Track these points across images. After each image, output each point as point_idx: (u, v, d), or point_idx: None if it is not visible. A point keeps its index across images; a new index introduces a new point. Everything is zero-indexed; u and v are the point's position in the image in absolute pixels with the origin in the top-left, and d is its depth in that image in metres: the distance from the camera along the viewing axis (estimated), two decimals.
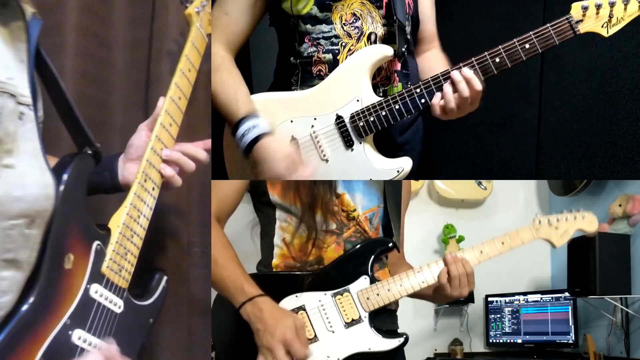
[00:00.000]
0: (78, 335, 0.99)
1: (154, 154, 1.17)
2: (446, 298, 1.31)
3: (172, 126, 1.22)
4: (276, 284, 1.24)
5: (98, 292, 1.03)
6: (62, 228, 0.97)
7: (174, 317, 1.44)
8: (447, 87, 1.32)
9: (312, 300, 1.25)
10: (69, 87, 1.41)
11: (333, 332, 1.24)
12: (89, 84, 1.46)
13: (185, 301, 1.47)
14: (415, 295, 1.33)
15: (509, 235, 1.34)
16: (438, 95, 1.34)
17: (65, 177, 0.98)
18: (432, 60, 1.56)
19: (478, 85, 1.30)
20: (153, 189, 1.17)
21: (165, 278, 1.24)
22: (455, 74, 1.31)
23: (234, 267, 1.24)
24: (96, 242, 1.04)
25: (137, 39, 1.51)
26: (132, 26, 1.52)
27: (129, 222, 1.11)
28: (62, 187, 0.96)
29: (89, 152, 1.07)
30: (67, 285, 0.98)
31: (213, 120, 1.49)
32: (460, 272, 1.27)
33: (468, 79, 1.30)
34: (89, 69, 1.46)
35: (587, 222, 1.39)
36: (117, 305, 1.08)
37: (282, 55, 1.49)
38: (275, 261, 1.33)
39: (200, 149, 1.25)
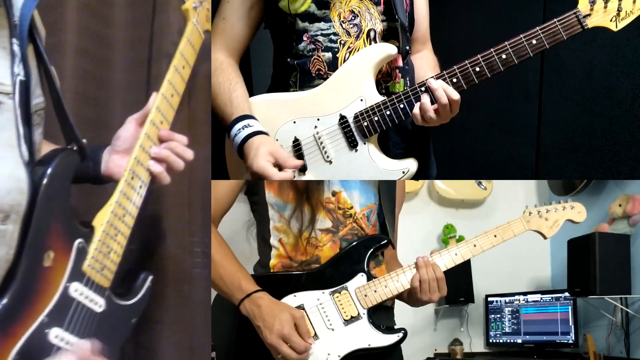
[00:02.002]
0: (55, 334, 0.98)
1: (143, 152, 1.14)
2: (417, 302, 1.32)
3: (163, 123, 1.19)
4: (274, 284, 1.25)
5: (78, 290, 1.02)
6: (43, 224, 0.95)
7: (174, 317, 1.44)
8: (425, 98, 1.33)
9: (311, 299, 1.25)
10: (68, 86, 1.41)
11: (333, 329, 1.25)
12: (89, 83, 1.46)
13: (185, 301, 1.46)
14: (397, 296, 1.33)
15: (501, 228, 1.36)
16: (418, 105, 1.34)
17: (48, 172, 0.96)
18: (422, 60, 1.56)
19: (454, 95, 1.31)
20: (140, 187, 1.15)
21: (150, 278, 1.22)
22: (432, 82, 1.32)
23: (230, 265, 1.26)
24: (78, 240, 1.02)
25: (137, 39, 1.50)
26: (132, 26, 1.52)
27: (113, 221, 1.09)
28: (44, 182, 0.95)
29: (75, 148, 1.05)
30: (45, 283, 0.97)
31: (213, 121, 1.49)
32: (430, 277, 1.28)
33: (444, 88, 1.31)
34: (89, 68, 1.45)
35: (575, 212, 1.41)
36: (97, 304, 1.07)
37: (278, 58, 1.49)
38: (272, 262, 1.33)
39: (187, 148, 1.21)
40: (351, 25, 1.40)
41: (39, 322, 0.95)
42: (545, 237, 1.40)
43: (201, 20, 1.32)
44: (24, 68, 0.96)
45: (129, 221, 1.13)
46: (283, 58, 1.45)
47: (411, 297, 1.33)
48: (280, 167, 1.31)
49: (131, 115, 1.21)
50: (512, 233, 1.36)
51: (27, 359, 0.93)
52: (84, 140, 1.06)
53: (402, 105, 1.36)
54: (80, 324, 1.03)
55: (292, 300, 1.26)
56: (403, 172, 1.40)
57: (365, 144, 1.40)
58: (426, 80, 1.34)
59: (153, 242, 1.45)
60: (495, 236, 1.35)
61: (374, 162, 1.40)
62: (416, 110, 1.34)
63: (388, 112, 1.37)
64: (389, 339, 1.26)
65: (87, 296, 1.04)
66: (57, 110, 1.06)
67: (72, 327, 1.01)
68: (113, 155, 1.18)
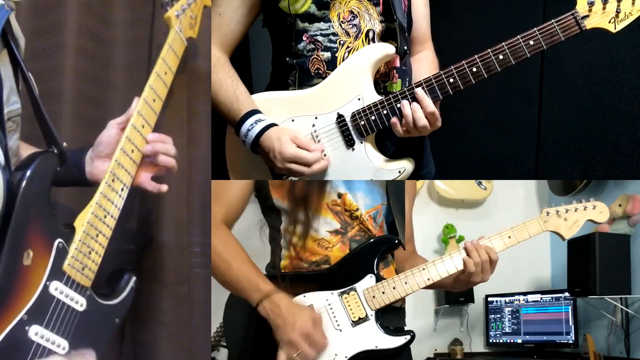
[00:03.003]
0: (35, 331, 0.99)
1: (124, 155, 1.17)
2: (468, 284, 1.34)
3: (145, 127, 1.21)
4: (284, 284, 1.24)
5: (58, 289, 1.04)
6: (22, 224, 0.98)
7: (174, 317, 1.44)
8: (407, 109, 1.33)
9: (320, 299, 1.25)
10: (68, 86, 1.41)
11: (340, 330, 1.24)
12: (89, 83, 1.46)
13: (184, 301, 1.47)
14: (432, 286, 1.33)
15: (515, 229, 1.33)
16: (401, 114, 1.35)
17: (27, 173, 0.99)
18: (421, 62, 1.55)
19: (430, 107, 1.32)
20: (122, 189, 1.17)
21: (133, 279, 1.23)
22: (404, 106, 1.33)
23: (248, 268, 1.26)
24: (58, 240, 1.04)
25: (137, 39, 1.51)
26: (132, 26, 1.52)
27: (94, 221, 1.11)
28: (23, 184, 0.98)
29: (55, 151, 1.07)
30: (25, 281, 0.99)
31: (213, 120, 1.49)
32: (483, 259, 1.29)
33: (420, 100, 1.32)
34: (89, 68, 1.46)
35: (597, 212, 1.37)
36: (79, 303, 1.08)
37: (277, 56, 1.49)
38: (283, 262, 1.33)
39: (170, 159, 1.24)
40: (350, 26, 1.41)
41: (18, 319, 0.97)
42: (563, 239, 1.36)
43: (184, 28, 1.34)
44: None
45: (111, 222, 1.15)
46: (282, 57, 1.45)
47: (459, 282, 1.34)
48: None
49: (112, 120, 1.23)
50: (527, 234, 1.32)
51: (7, 354, 0.95)
52: (65, 144, 1.09)
53: (398, 105, 1.36)
54: (61, 323, 1.04)
55: (301, 300, 1.25)
56: (399, 172, 1.40)
57: (362, 142, 1.40)
58: (401, 103, 1.34)
59: (153, 242, 1.45)
60: (509, 237, 1.32)
61: (370, 161, 1.40)
62: (395, 119, 1.35)
63: (385, 112, 1.37)
64: (397, 341, 1.25)
65: (67, 295, 1.06)
66: (37, 115, 1.08)
67: (53, 325, 1.03)
68: (96, 161, 1.20)
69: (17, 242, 0.97)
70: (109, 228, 1.15)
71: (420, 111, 1.32)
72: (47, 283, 1.02)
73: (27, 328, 0.98)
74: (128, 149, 1.17)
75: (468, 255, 1.30)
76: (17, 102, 1.06)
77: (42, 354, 1.00)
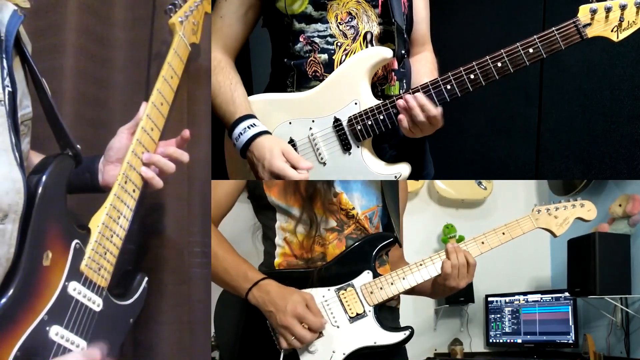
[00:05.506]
0: (56, 332, 1.00)
1: (135, 157, 1.18)
2: (444, 290, 1.32)
3: (154, 130, 1.24)
4: (279, 281, 1.24)
5: (76, 289, 1.05)
6: (41, 226, 0.99)
7: (174, 317, 1.44)
8: (412, 102, 1.32)
9: (316, 296, 1.24)
10: (68, 86, 1.41)
11: (338, 327, 1.23)
12: (89, 83, 1.46)
13: (185, 301, 1.47)
14: (413, 291, 1.33)
15: (509, 225, 1.36)
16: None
17: (44, 177, 1.00)
18: (420, 64, 1.55)
19: (432, 111, 1.31)
20: (134, 190, 1.19)
21: (145, 279, 1.25)
22: (409, 99, 1.31)
23: (234, 258, 1.26)
24: (75, 241, 1.05)
25: (137, 39, 1.51)
26: (132, 26, 1.52)
27: (108, 222, 1.12)
28: (40, 187, 0.99)
29: (70, 153, 1.09)
30: (45, 282, 1.00)
31: (213, 121, 1.49)
32: (460, 262, 1.27)
33: (422, 105, 1.31)
34: (89, 68, 1.46)
35: (585, 210, 1.40)
36: (96, 303, 1.09)
37: (276, 57, 1.50)
38: (277, 260, 1.33)
39: (182, 151, 1.26)
40: (348, 27, 1.40)
41: (40, 319, 0.97)
42: (555, 236, 1.39)
43: (187, 33, 1.37)
44: (10, 80, 0.99)
45: (124, 223, 1.16)
46: (280, 58, 1.45)
47: (435, 287, 1.32)
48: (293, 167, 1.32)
49: (122, 127, 1.25)
50: (520, 231, 1.35)
51: (29, 355, 0.95)
52: (78, 146, 1.09)
53: (395, 110, 1.35)
54: (79, 323, 1.05)
55: None
56: (395, 177, 1.39)
57: (358, 147, 1.39)
58: (403, 95, 1.33)
59: (153, 241, 1.45)
60: (503, 234, 1.34)
61: (367, 166, 1.39)
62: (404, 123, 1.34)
63: (382, 117, 1.36)
64: (395, 337, 1.24)
65: (85, 295, 1.06)
66: (51, 119, 1.09)
67: (72, 325, 1.03)
68: (107, 166, 1.22)
69: (37, 243, 0.98)
70: (123, 229, 1.16)
71: (418, 108, 1.31)
72: (66, 283, 1.03)
73: (47, 328, 0.99)
74: (139, 152, 1.19)
75: (447, 257, 1.29)
76: (29, 106, 1.07)
77: (63, 354, 1.01)
